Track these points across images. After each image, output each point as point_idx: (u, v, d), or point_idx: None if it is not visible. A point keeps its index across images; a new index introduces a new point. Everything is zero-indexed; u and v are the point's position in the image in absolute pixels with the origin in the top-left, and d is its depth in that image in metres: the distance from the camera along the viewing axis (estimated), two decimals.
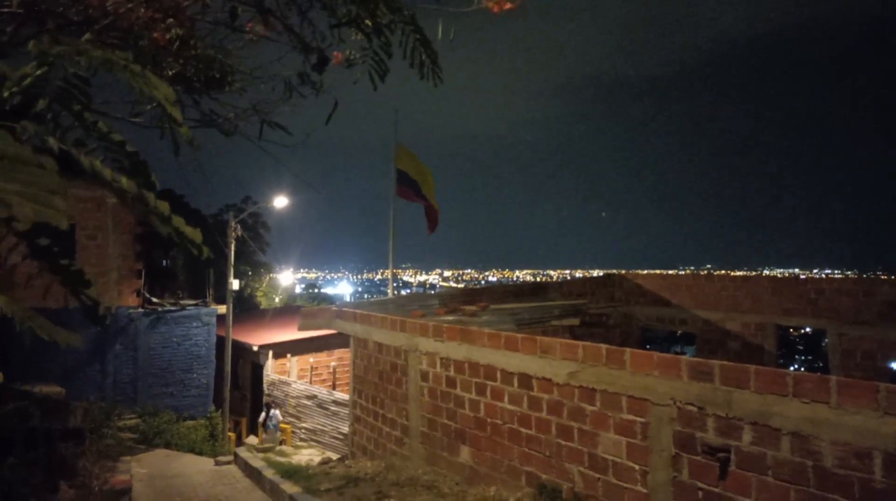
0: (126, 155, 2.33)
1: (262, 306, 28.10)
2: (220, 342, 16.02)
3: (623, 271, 13.08)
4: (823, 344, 9.59)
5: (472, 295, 11.02)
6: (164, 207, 2.26)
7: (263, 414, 14.16)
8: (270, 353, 16.08)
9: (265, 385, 15.58)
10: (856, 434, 3.10)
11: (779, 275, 12.14)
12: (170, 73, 3.66)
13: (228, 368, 15.73)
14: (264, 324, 19.46)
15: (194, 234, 2.37)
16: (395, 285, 15.24)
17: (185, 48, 3.50)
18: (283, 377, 15.53)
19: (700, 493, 3.81)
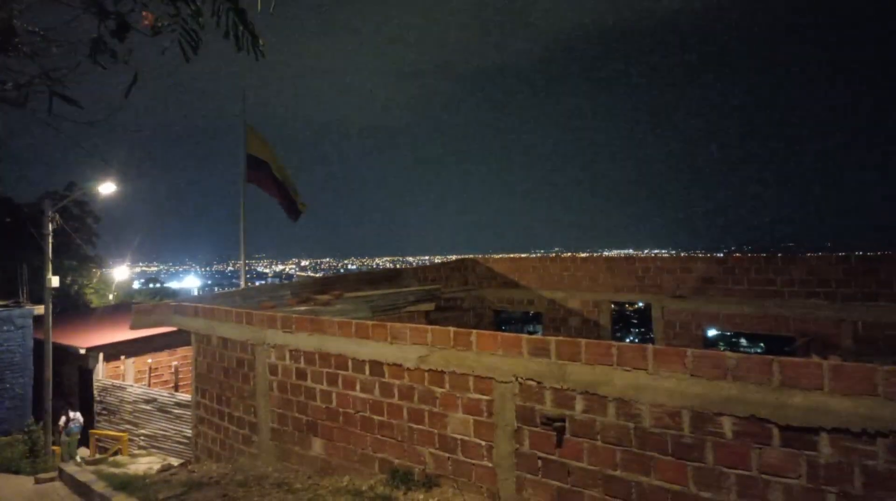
0: None
1: (92, 305, 25.43)
2: (39, 346, 14.24)
3: (478, 256, 13.51)
4: (652, 317, 10.61)
5: (327, 284, 10.77)
6: None
7: (63, 419, 13.00)
8: (101, 355, 14.59)
9: (95, 391, 14.12)
10: (669, 396, 3.43)
11: (614, 255, 13.22)
12: None
13: (49, 375, 14.04)
14: (94, 324, 17.60)
15: None
16: (248, 276, 14.52)
17: None
18: (117, 382, 14.18)
19: (540, 462, 4.02)
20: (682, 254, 11.07)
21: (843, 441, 2.93)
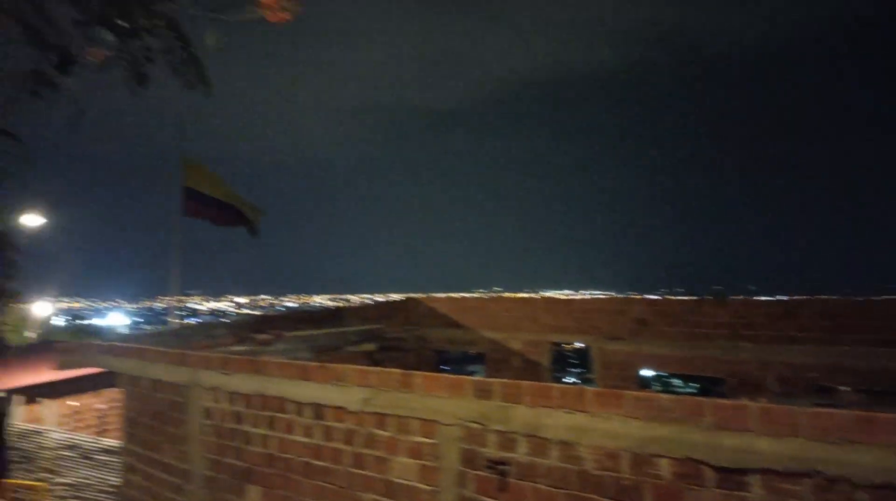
0: None
1: (9, 343, 23.77)
2: None
3: (420, 295, 13.51)
4: (590, 358, 10.83)
5: (266, 322, 10.52)
6: None
7: None
8: (19, 398, 13.60)
9: (11, 437, 13.11)
10: (609, 438, 3.52)
11: (554, 296, 13.52)
12: None
13: None
14: (12, 364, 16.45)
15: None
16: (181, 313, 14.01)
17: None
18: (36, 426, 13.21)
19: None
20: (619, 296, 11.44)
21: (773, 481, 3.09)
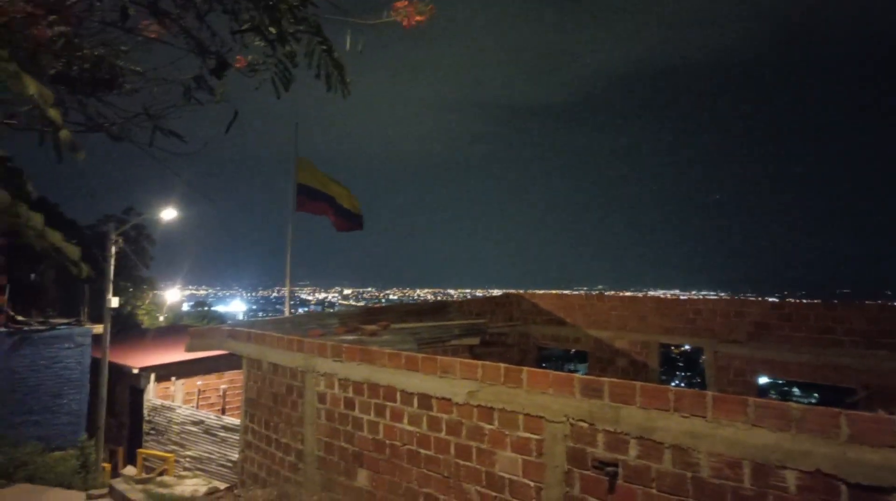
0: None
1: (144, 326, 26.27)
2: (96, 364, 14.77)
3: (521, 291, 13.45)
4: (701, 361, 10.32)
5: (373, 314, 10.90)
6: (37, 219, 2.03)
7: None
8: (153, 376, 15.02)
9: (146, 411, 14.51)
10: (728, 446, 3.35)
11: (661, 296, 12.96)
12: (52, 72, 3.38)
13: (104, 392, 14.51)
14: (146, 345, 18.19)
15: (72, 251, 2.15)
16: (292, 302, 14.83)
17: (69, 47, 3.25)
18: (167, 402, 14.54)
19: None
20: (735, 297, 10.77)
21: None
